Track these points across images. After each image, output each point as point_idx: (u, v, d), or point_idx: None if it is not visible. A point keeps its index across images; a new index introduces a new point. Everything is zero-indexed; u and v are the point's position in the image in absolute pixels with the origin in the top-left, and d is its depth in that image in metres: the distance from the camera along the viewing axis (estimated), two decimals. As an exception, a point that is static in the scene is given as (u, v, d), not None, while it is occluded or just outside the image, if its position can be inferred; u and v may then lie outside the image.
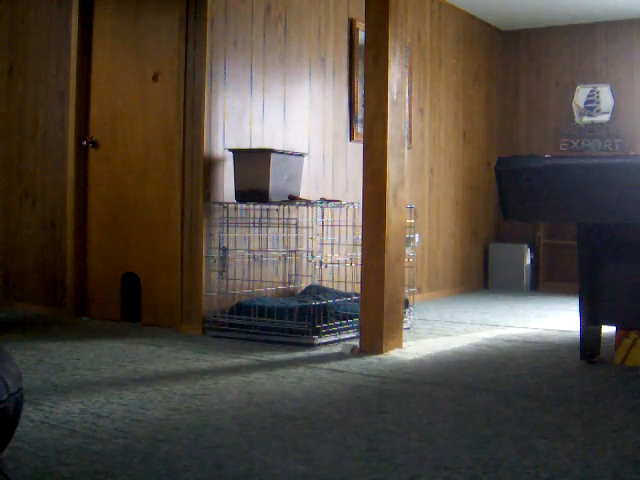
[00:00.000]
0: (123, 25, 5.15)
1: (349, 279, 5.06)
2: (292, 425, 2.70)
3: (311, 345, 4.28)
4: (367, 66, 4.22)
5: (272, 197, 4.58)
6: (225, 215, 4.71)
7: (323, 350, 4.22)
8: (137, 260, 5.05)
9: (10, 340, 4.27)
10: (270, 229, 5.04)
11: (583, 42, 7.82)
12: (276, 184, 4.60)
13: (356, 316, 4.41)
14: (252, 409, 2.92)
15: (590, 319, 3.88)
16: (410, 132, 6.46)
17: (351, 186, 5.82)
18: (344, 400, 3.10)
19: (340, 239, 5.13)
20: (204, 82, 4.63)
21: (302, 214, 5.26)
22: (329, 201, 4.79)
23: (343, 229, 5.14)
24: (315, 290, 5.04)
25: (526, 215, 3.81)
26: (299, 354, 4.08)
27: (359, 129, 5.80)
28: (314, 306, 4.36)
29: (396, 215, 4.20)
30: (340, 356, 4.04)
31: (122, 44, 5.14)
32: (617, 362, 3.84)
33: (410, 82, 6.41)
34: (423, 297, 6.68)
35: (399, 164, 4.23)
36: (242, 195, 4.64)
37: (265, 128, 5.07)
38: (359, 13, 5.66)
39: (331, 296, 4.76)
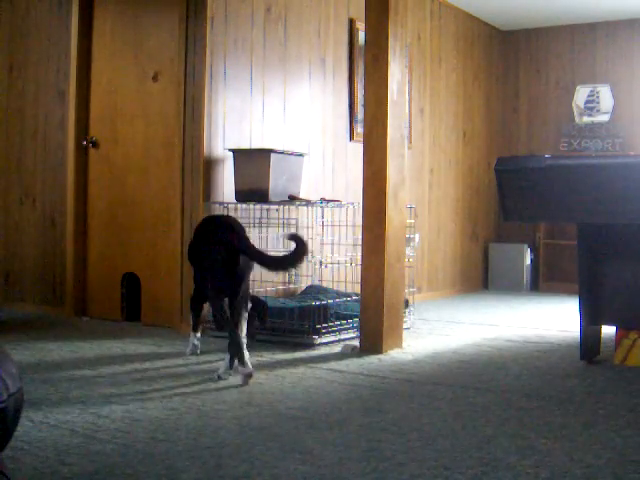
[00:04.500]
0: (123, 25, 5.15)
1: (349, 279, 5.06)
2: (292, 425, 2.70)
3: (311, 345, 4.28)
4: (367, 66, 4.21)
5: (272, 197, 4.58)
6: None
7: (323, 350, 4.22)
8: (137, 260, 5.05)
9: (10, 340, 4.27)
10: (270, 229, 5.04)
11: (583, 42, 7.82)
12: (276, 184, 4.60)
13: (356, 316, 4.41)
14: (252, 409, 2.92)
15: (590, 319, 3.87)
16: (410, 132, 6.46)
17: (351, 186, 5.82)
18: (344, 400, 3.10)
19: (340, 239, 5.12)
20: (204, 82, 4.64)
21: (302, 214, 5.26)
22: (329, 201, 4.79)
23: (343, 229, 5.13)
24: (315, 290, 5.04)
25: (526, 215, 3.81)
26: (299, 354, 4.08)
27: (359, 129, 5.80)
28: (314, 306, 4.35)
29: (396, 215, 4.20)
30: (340, 356, 4.04)
31: (122, 44, 5.14)
32: (617, 362, 3.84)
33: (410, 82, 6.41)
34: (423, 297, 6.68)
35: (399, 164, 4.23)
36: (242, 195, 4.64)
37: (265, 128, 5.07)
38: (359, 13, 5.65)
39: (331, 296, 4.76)
